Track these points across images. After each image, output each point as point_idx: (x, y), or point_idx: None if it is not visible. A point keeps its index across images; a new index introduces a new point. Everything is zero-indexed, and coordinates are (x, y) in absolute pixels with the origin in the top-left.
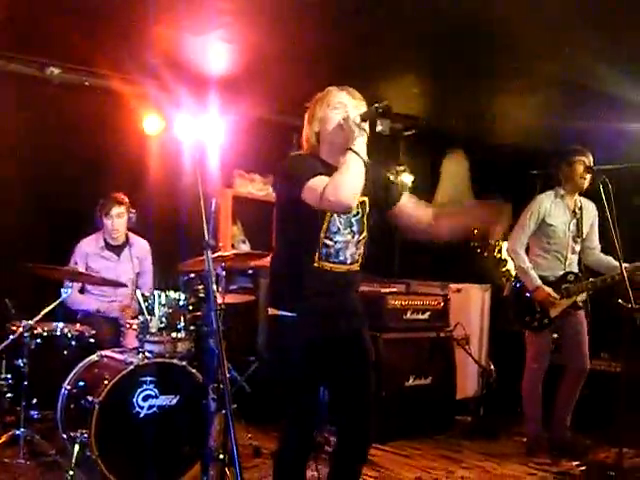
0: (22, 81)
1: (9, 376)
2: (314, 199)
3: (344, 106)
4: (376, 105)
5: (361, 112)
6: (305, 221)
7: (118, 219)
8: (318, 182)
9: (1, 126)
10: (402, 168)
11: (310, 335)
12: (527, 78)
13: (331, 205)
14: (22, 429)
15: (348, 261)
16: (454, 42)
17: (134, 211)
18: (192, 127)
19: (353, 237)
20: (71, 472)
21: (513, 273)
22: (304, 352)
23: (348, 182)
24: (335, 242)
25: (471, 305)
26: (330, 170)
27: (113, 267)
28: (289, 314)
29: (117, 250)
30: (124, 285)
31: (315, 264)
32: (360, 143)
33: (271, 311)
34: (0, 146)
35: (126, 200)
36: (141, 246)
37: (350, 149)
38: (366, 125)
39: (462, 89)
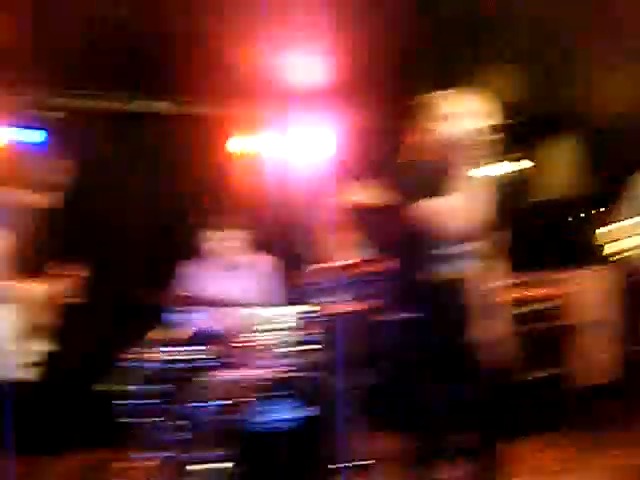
0: (115, 116)
1: (135, 402)
2: (421, 224)
3: (452, 118)
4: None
5: (465, 127)
6: (411, 236)
7: (224, 242)
8: (425, 208)
9: (103, 160)
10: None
11: (425, 339)
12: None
13: (438, 234)
14: (156, 452)
15: (463, 269)
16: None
17: (248, 231)
18: (295, 142)
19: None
20: None
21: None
22: (423, 355)
23: (453, 214)
24: (447, 253)
25: (592, 290)
26: (436, 183)
27: (230, 285)
28: (414, 316)
29: (232, 269)
30: (244, 305)
31: (422, 273)
32: (466, 157)
33: (393, 316)
34: (104, 179)
35: (236, 222)
36: (263, 263)
37: (455, 166)
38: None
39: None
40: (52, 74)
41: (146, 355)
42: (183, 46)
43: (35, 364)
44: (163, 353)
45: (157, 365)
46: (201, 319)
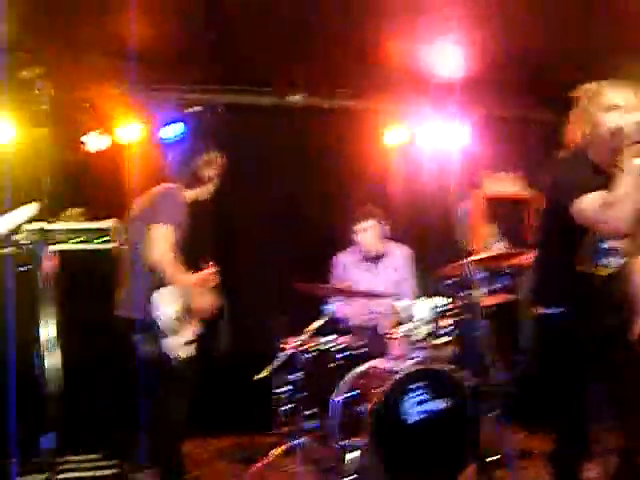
0: (268, 110)
1: (285, 389)
2: (584, 220)
3: (620, 109)
4: None
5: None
6: (570, 230)
7: (364, 233)
8: (590, 203)
9: (253, 153)
10: None
11: (580, 333)
12: None
13: (603, 230)
14: (300, 439)
15: (612, 264)
16: None
17: (385, 223)
18: (435, 134)
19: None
20: (349, 478)
21: None
22: (577, 350)
23: (620, 209)
24: (602, 248)
25: None
26: (600, 177)
27: (371, 278)
28: (558, 311)
29: (375, 261)
30: (385, 295)
31: (581, 267)
32: (634, 149)
33: (540, 310)
34: (253, 173)
35: (375, 213)
36: (400, 254)
37: (623, 165)
38: None
39: None
40: (213, 71)
41: (304, 344)
42: (332, 40)
43: (191, 343)
44: (320, 342)
45: (313, 354)
46: (348, 310)
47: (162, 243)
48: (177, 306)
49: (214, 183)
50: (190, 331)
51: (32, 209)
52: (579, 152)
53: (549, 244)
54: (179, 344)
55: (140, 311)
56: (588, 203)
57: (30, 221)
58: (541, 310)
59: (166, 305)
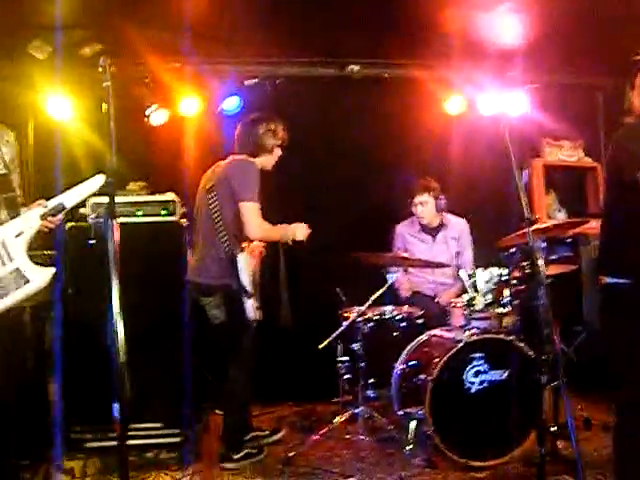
0: (326, 81)
1: (346, 359)
2: None
3: None
4: None
5: None
6: (637, 198)
7: (421, 206)
8: None
9: (313, 126)
10: None
11: None
12: None
13: None
14: (361, 407)
15: None
16: None
17: (443, 196)
18: (494, 102)
19: None
20: (409, 447)
21: None
22: None
23: None
24: None
25: None
26: None
27: (429, 249)
28: (626, 281)
29: (433, 232)
30: (445, 265)
31: None
32: None
33: (604, 280)
34: (314, 144)
35: (432, 186)
36: (457, 226)
37: None
38: None
39: None
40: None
41: (365, 313)
42: (391, 9)
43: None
44: (381, 312)
45: (374, 324)
46: (409, 280)
47: (257, 219)
48: (250, 272)
49: (278, 153)
50: (257, 296)
51: (97, 182)
52: None
53: (615, 213)
54: (255, 307)
55: (213, 277)
56: None
57: (95, 194)
58: (606, 280)
59: (245, 270)
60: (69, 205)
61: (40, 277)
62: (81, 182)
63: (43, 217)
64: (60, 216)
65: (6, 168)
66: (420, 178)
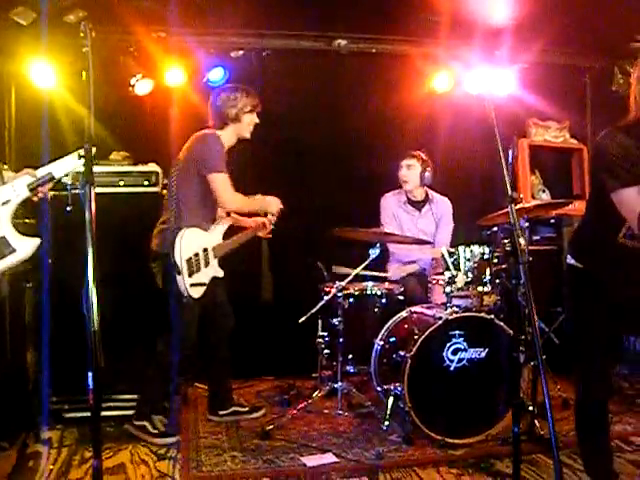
0: (312, 55)
1: (326, 334)
2: (626, 212)
3: None
4: None
5: None
6: (609, 206)
7: (407, 169)
8: (633, 196)
9: (299, 99)
10: None
11: (611, 290)
12: None
13: None
14: (339, 383)
15: None
16: None
17: (430, 169)
18: (481, 80)
19: None
20: (386, 422)
21: None
22: (596, 304)
23: None
24: None
25: None
26: None
27: (414, 221)
28: (578, 265)
29: (418, 205)
30: (427, 242)
31: (620, 240)
32: None
33: (570, 260)
34: (299, 118)
35: (421, 156)
36: (441, 204)
37: None
38: None
39: None
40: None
41: (346, 288)
42: None
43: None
44: (362, 287)
45: (355, 299)
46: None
47: (229, 189)
48: (196, 249)
49: (249, 120)
50: (205, 275)
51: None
52: (636, 123)
53: (594, 208)
54: (190, 284)
55: (157, 245)
56: (631, 197)
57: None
58: (571, 261)
59: (185, 245)
60: (58, 175)
61: (25, 247)
62: (62, 150)
63: (31, 186)
64: (48, 186)
65: None
66: (411, 150)
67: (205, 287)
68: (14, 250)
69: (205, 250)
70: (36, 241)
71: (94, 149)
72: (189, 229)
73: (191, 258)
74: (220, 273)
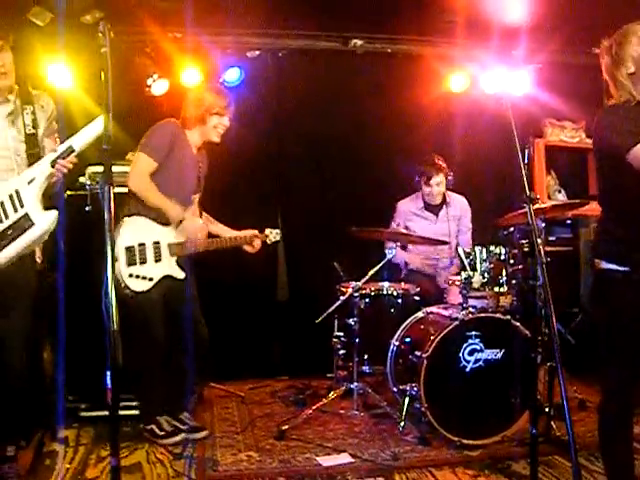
0: (328, 56)
1: (341, 334)
2: None
3: None
4: None
5: None
6: (629, 180)
7: (437, 187)
8: None
9: (315, 99)
10: None
11: None
12: None
13: None
14: (355, 383)
15: None
16: None
17: (451, 173)
18: (497, 80)
19: None
20: (402, 423)
21: None
22: (635, 311)
23: None
24: None
25: None
26: None
27: (431, 226)
28: (621, 268)
29: (435, 210)
30: (444, 243)
31: None
32: None
33: (599, 264)
34: (315, 118)
35: (444, 165)
36: (459, 204)
37: None
38: None
39: None
40: (274, 16)
41: (363, 289)
42: None
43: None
44: (378, 287)
45: (371, 299)
46: (407, 256)
47: (137, 169)
48: (142, 239)
49: (214, 122)
50: (153, 270)
51: (100, 124)
52: (623, 94)
53: (610, 196)
54: (126, 274)
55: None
56: None
57: (94, 164)
58: (601, 265)
59: (128, 233)
60: (77, 147)
61: (43, 220)
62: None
63: (53, 162)
64: (71, 159)
65: (34, 128)
66: (427, 156)
67: (152, 283)
68: (33, 224)
69: (156, 243)
70: (54, 213)
71: (110, 149)
72: (138, 217)
73: (133, 247)
74: (178, 274)
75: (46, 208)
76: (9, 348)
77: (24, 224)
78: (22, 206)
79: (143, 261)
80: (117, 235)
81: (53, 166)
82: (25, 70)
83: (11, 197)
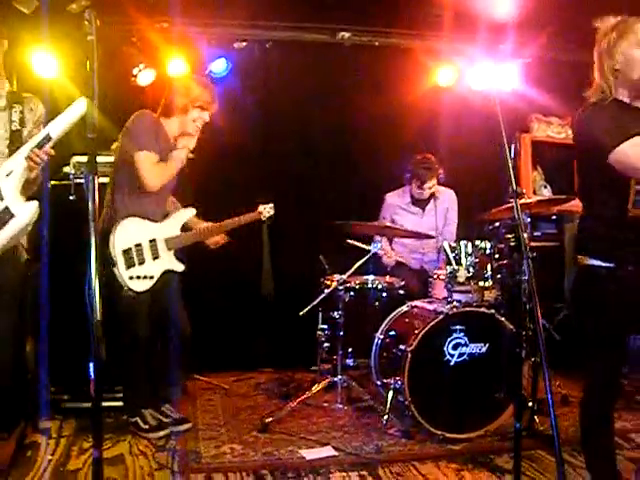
0: (316, 48)
1: (326, 327)
2: (623, 168)
3: None
4: None
5: None
6: (610, 177)
7: (429, 190)
8: (628, 149)
9: (302, 91)
10: None
11: (628, 287)
12: None
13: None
14: (339, 376)
15: None
16: None
17: (442, 171)
18: (485, 75)
19: None
20: (385, 416)
21: None
22: (619, 307)
23: None
24: None
25: None
26: (631, 113)
27: (418, 221)
28: (605, 264)
29: (423, 204)
30: (430, 237)
31: (630, 213)
32: None
33: (583, 260)
34: (302, 110)
35: (437, 166)
36: (447, 197)
37: None
38: None
39: None
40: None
41: (347, 282)
42: None
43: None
44: (363, 281)
45: (356, 292)
46: (396, 250)
47: (150, 167)
48: (138, 240)
49: (195, 115)
50: (153, 267)
51: (80, 107)
52: (604, 87)
53: (591, 192)
54: (126, 276)
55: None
56: (626, 150)
57: (78, 154)
58: (586, 261)
59: (120, 237)
60: (55, 135)
61: (24, 211)
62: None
63: (31, 151)
64: (47, 148)
65: (21, 125)
66: (421, 156)
67: (153, 281)
68: (13, 216)
69: (152, 241)
70: (34, 204)
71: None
72: (132, 218)
73: (130, 249)
74: (178, 267)
75: (27, 199)
76: None
77: (4, 217)
78: (2, 199)
79: (142, 261)
80: (113, 240)
81: (26, 157)
82: (10, 58)
83: None
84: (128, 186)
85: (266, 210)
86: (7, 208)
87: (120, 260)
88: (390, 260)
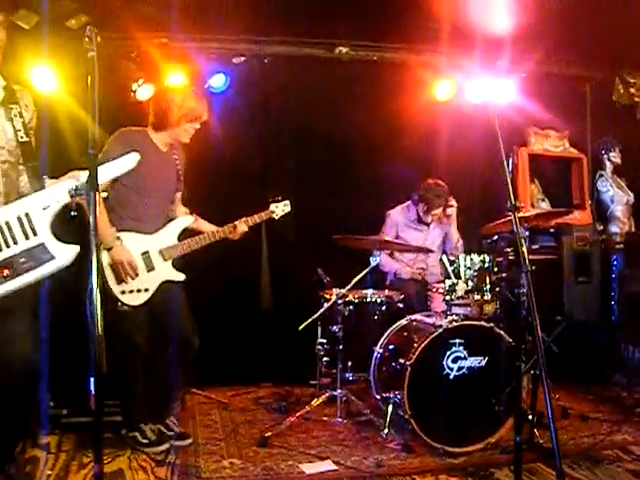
0: (314, 62)
1: (325, 341)
2: None
3: None
4: None
5: None
6: None
7: (434, 217)
8: None
9: (300, 106)
10: None
11: None
12: None
13: None
14: (339, 390)
15: None
16: None
17: (452, 199)
18: (482, 89)
19: None
20: (385, 430)
21: None
22: None
23: None
24: None
25: None
26: None
27: (422, 237)
28: None
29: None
30: (430, 251)
31: None
32: None
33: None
34: (300, 124)
35: (447, 195)
36: (450, 212)
37: None
38: None
39: None
40: (254, 20)
41: (347, 296)
42: None
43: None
44: (363, 295)
45: (355, 306)
46: (392, 263)
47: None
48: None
49: (187, 127)
50: (147, 280)
51: (132, 160)
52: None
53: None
54: (118, 291)
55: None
56: None
57: (79, 168)
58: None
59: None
60: (102, 180)
61: (65, 254)
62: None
63: (72, 192)
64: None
65: (28, 136)
66: (434, 184)
67: (149, 293)
68: (53, 257)
69: (145, 253)
70: (75, 248)
71: (95, 154)
72: (122, 233)
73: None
74: (177, 277)
75: (62, 240)
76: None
77: (42, 256)
78: (35, 234)
79: (135, 275)
80: (103, 255)
81: (72, 196)
82: (9, 73)
83: (20, 220)
84: (115, 201)
85: (279, 209)
86: (44, 246)
87: (109, 275)
88: (408, 273)
